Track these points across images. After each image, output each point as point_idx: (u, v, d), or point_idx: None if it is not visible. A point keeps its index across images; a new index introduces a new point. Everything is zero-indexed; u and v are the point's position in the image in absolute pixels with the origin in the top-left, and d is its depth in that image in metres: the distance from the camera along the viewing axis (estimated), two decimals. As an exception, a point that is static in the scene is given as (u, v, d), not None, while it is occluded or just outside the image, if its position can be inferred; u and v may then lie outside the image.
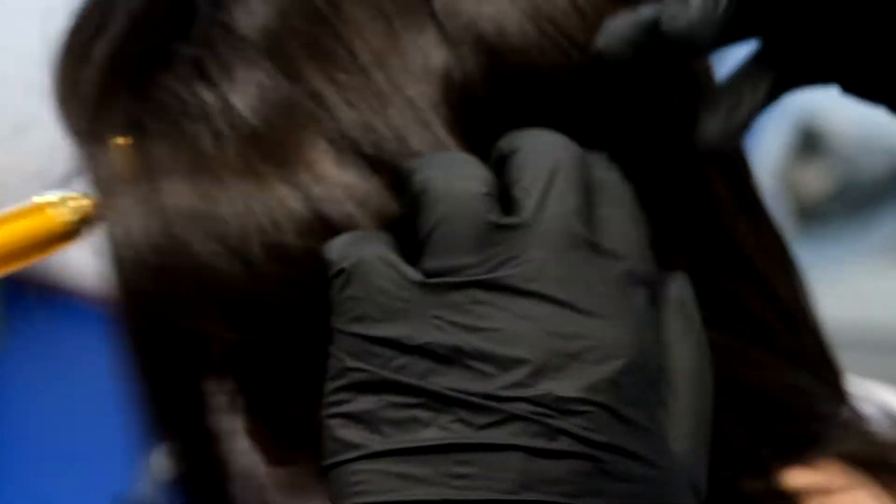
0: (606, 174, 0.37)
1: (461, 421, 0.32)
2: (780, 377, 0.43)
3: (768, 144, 1.70)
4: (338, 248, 0.35)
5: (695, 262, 0.42)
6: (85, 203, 0.42)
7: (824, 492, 0.43)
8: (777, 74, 0.41)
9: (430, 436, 0.32)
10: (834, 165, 1.79)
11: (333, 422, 0.34)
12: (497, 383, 0.32)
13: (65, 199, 0.42)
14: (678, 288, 0.38)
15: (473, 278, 0.33)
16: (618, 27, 0.38)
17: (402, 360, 0.33)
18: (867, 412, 0.49)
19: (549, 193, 0.35)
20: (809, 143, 1.78)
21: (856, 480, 0.44)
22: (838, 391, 0.45)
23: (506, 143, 0.37)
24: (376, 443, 0.33)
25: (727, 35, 0.39)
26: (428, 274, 0.34)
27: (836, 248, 1.84)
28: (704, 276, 0.42)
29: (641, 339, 0.34)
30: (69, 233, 0.42)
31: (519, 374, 0.32)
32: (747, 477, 0.42)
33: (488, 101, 0.38)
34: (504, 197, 0.35)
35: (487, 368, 0.32)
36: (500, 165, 0.36)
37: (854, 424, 0.46)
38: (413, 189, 0.35)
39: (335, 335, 0.34)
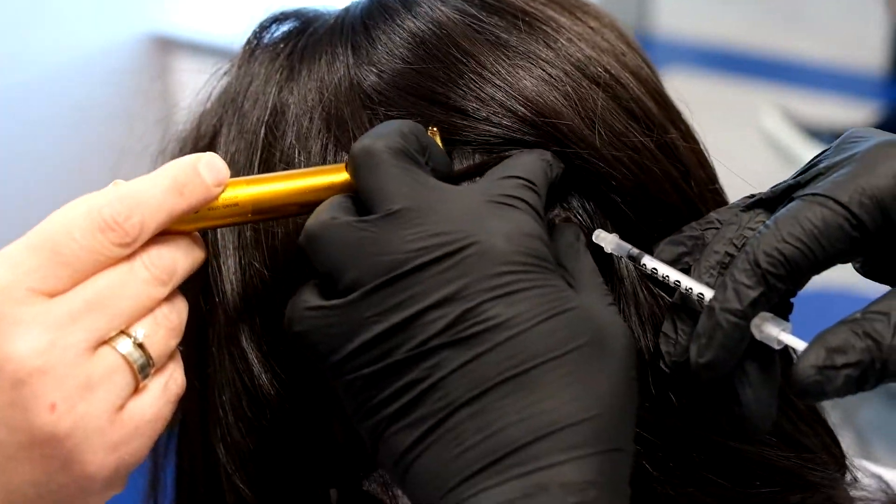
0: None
1: (431, 365, 0.43)
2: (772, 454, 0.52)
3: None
4: (288, 320, 0.45)
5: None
6: None
7: None
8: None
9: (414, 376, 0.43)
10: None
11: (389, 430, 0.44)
12: (427, 330, 0.42)
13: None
14: (572, 232, 0.49)
15: (366, 288, 0.43)
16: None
17: (373, 351, 0.43)
18: (867, 483, 0.57)
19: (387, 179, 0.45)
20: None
21: None
22: (835, 467, 0.55)
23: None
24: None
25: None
26: (341, 294, 0.44)
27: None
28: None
29: (515, 238, 0.44)
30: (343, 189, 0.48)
31: (435, 314, 0.42)
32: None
33: None
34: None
35: (417, 319, 0.42)
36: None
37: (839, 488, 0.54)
38: (301, 241, 0.46)
39: (325, 372, 0.45)
